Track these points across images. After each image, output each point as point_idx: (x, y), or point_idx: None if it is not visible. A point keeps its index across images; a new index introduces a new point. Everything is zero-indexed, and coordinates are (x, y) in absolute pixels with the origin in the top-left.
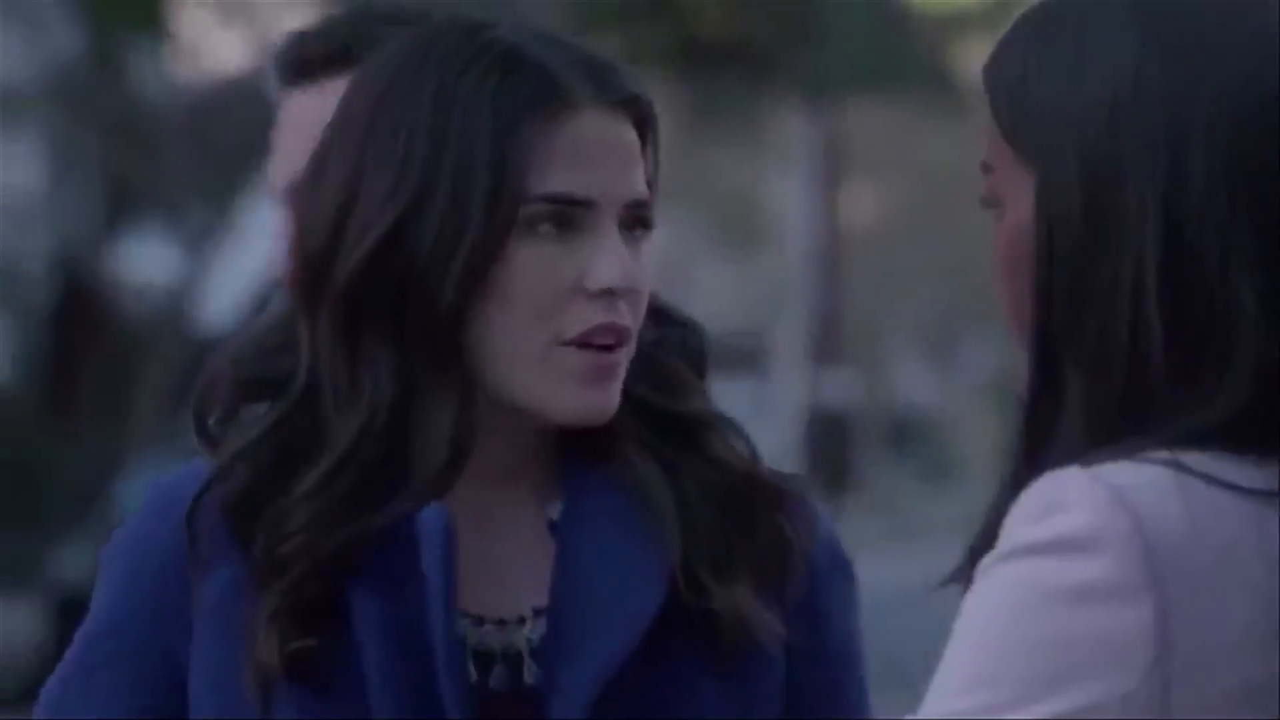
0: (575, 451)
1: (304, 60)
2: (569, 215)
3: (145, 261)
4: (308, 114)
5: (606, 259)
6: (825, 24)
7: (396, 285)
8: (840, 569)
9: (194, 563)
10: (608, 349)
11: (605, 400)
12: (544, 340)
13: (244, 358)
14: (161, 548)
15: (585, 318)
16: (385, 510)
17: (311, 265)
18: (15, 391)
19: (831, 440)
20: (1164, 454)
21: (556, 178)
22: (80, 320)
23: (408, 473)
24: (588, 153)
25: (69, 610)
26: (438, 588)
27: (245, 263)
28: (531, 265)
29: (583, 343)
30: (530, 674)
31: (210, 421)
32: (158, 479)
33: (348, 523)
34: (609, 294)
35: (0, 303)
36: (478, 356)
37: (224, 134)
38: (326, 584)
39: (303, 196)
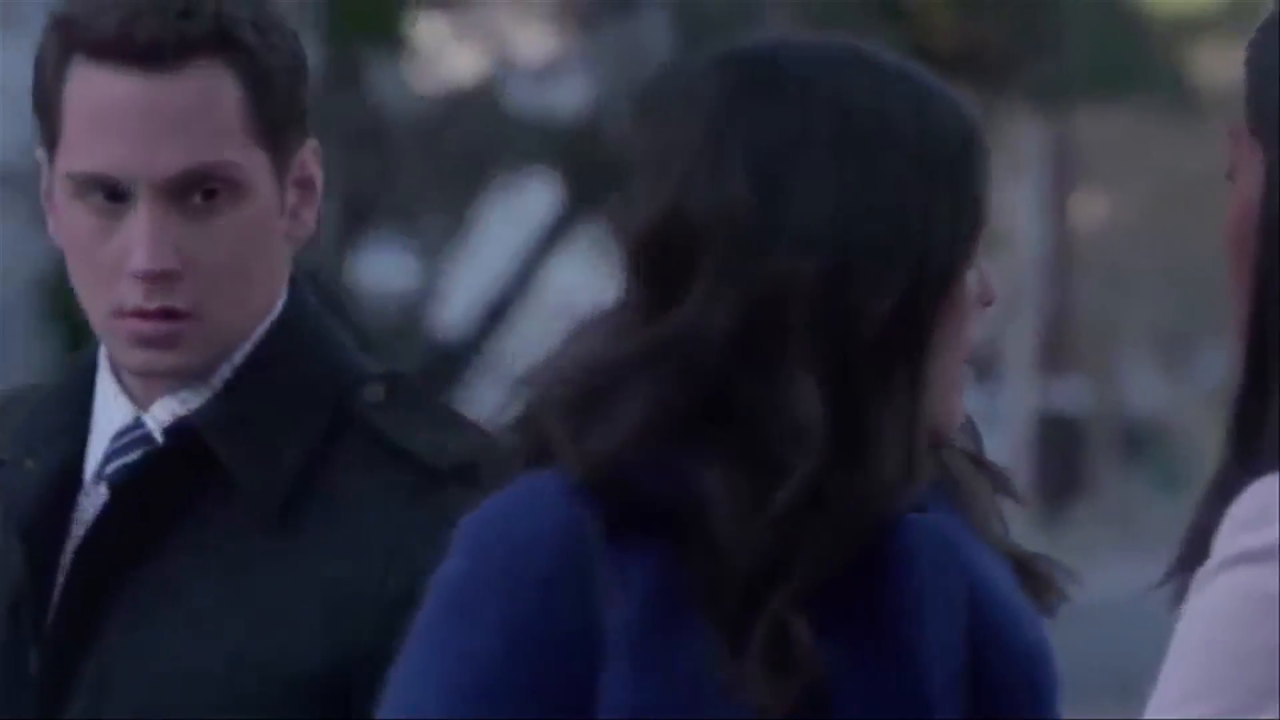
0: None
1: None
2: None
3: (382, 270)
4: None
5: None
6: (1058, 29)
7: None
8: None
9: (596, 587)
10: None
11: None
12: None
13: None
14: (545, 577)
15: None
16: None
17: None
18: None
19: (1062, 447)
20: None
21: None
22: None
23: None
24: None
25: None
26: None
27: (480, 271)
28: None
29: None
30: None
31: (561, 438)
32: (489, 512)
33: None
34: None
35: None
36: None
37: (458, 144)
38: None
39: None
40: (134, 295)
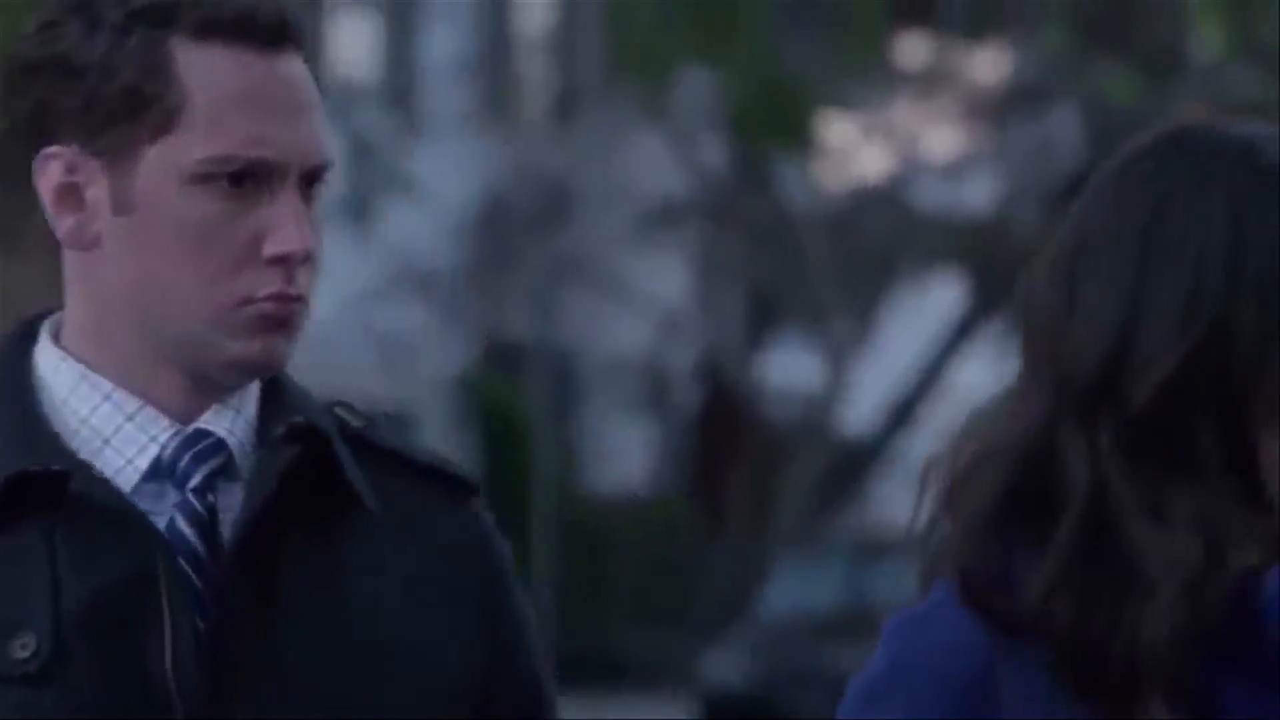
0: None
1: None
2: None
3: (788, 368)
4: None
5: None
6: None
7: (1194, 409)
8: None
9: (995, 689)
10: None
11: None
12: None
13: (999, 470)
14: (948, 674)
15: None
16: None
17: (1087, 387)
18: (663, 493)
19: None
20: None
21: None
22: (725, 424)
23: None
24: None
25: (717, 711)
26: None
27: (886, 368)
28: None
29: None
30: None
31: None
32: (908, 615)
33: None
34: None
35: (649, 407)
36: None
37: (865, 242)
38: None
39: (1050, 315)
40: (273, 280)
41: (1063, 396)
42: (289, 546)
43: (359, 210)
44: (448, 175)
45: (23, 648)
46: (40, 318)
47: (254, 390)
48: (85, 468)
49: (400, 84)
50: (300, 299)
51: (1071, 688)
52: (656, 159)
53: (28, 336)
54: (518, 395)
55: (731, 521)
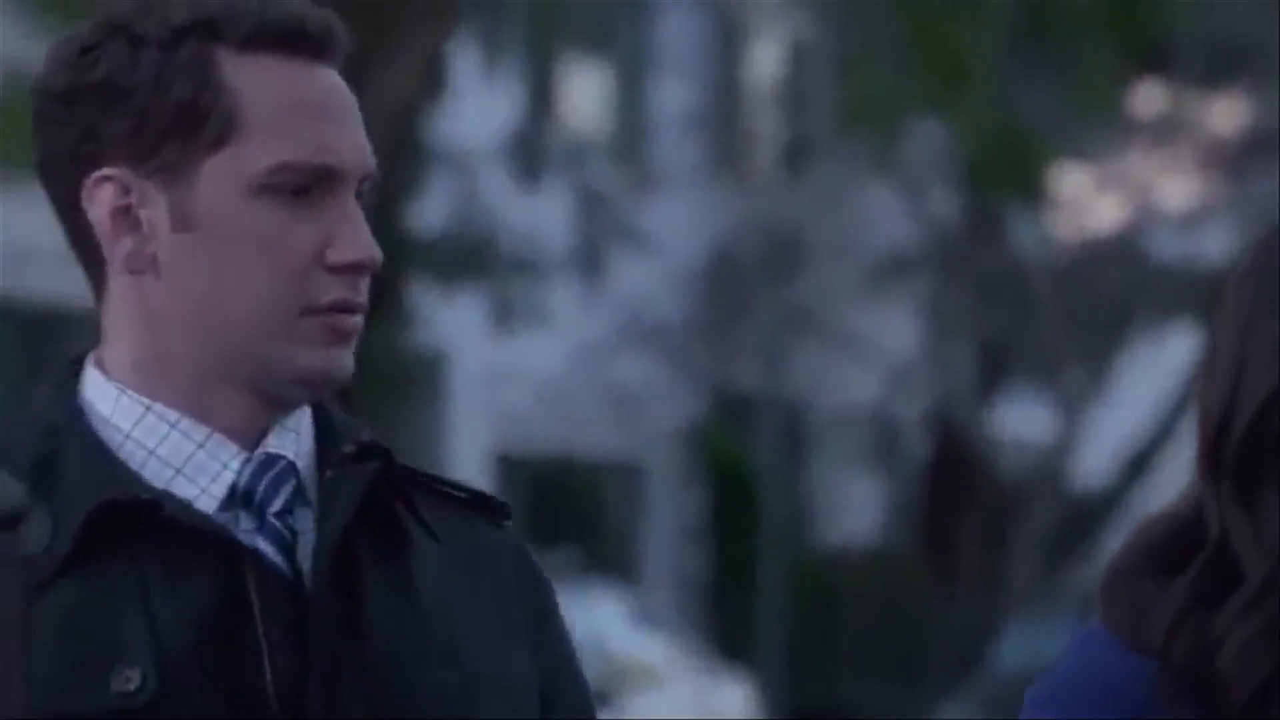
0: None
1: None
2: None
3: (1019, 420)
4: None
5: None
6: None
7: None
8: None
9: None
10: None
11: None
12: None
13: (1158, 531)
14: None
15: None
16: None
17: (1210, 440)
18: (894, 546)
19: None
20: None
21: None
22: (955, 477)
23: None
24: None
25: None
26: None
27: (1120, 421)
28: None
29: None
30: None
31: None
32: (1068, 666)
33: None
34: None
35: (879, 459)
36: None
37: (1098, 293)
38: None
39: (1203, 383)
40: (338, 288)
41: (1200, 449)
42: (366, 565)
43: (589, 262)
44: (677, 227)
45: (127, 681)
46: (78, 360)
47: (307, 411)
48: (169, 496)
49: (630, 136)
50: (362, 308)
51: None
52: (887, 210)
53: (73, 377)
54: (747, 447)
55: (962, 574)
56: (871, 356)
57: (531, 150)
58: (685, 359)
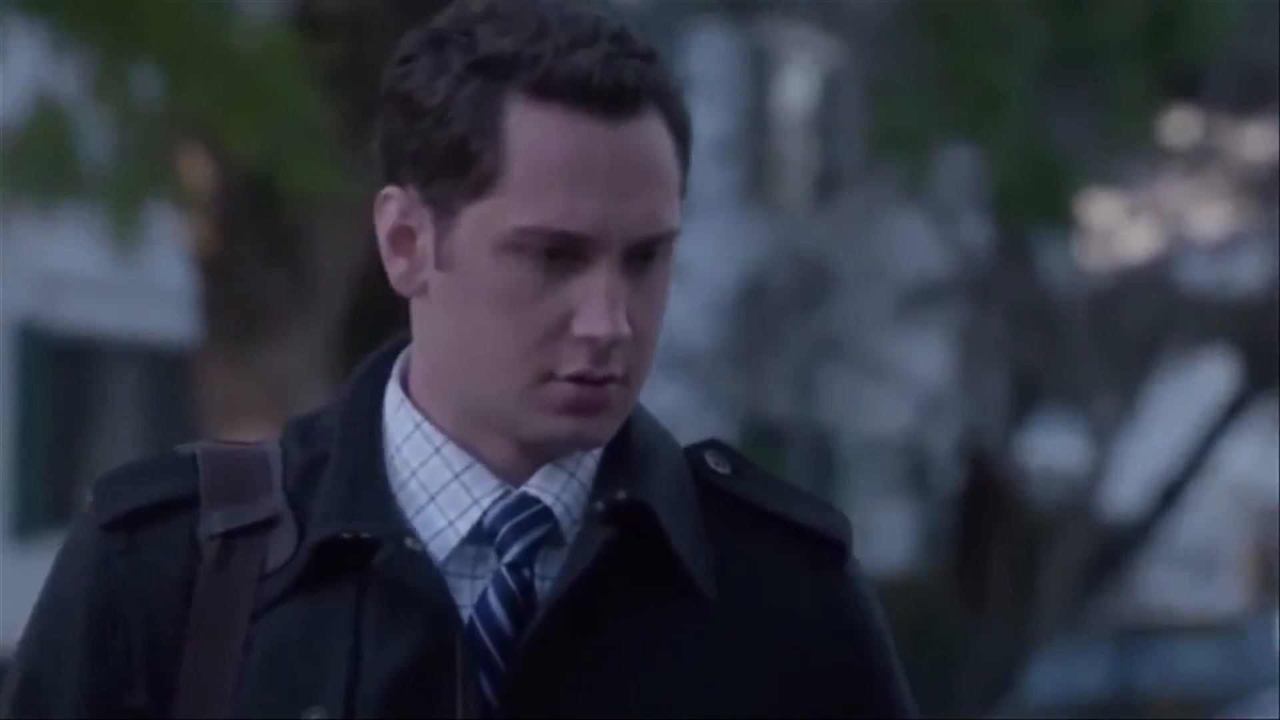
0: None
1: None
2: None
3: (1050, 448)
4: None
5: None
6: None
7: None
8: None
9: None
10: None
11: None
12: None
13: None
14: None
15: None
16: None
17: None
18: (924, 574)
19: None
20: None
21: None
22: (986, 505)
23: None
24: None
25: None
26: None
27: (1152, 450)
28: None
29: None
30: None
31: None
32: None
33: None
34: None
35: (909, 487)
36: None
37: (1130, 322)
38: None
39: None
40: (578, 359)
41: None
42: (604, 622)
43: None
44: (708, 255)
45: None
46: (397, 348)
47: (594, 451)
48: (397, 536)
49: None
50: (612, 379)
51: None
52: (917, 238)
53: (384, 365)
54: (777, 474)
55: (993, 602)
56: (902, 384)
57: None
58: (716, 386)
